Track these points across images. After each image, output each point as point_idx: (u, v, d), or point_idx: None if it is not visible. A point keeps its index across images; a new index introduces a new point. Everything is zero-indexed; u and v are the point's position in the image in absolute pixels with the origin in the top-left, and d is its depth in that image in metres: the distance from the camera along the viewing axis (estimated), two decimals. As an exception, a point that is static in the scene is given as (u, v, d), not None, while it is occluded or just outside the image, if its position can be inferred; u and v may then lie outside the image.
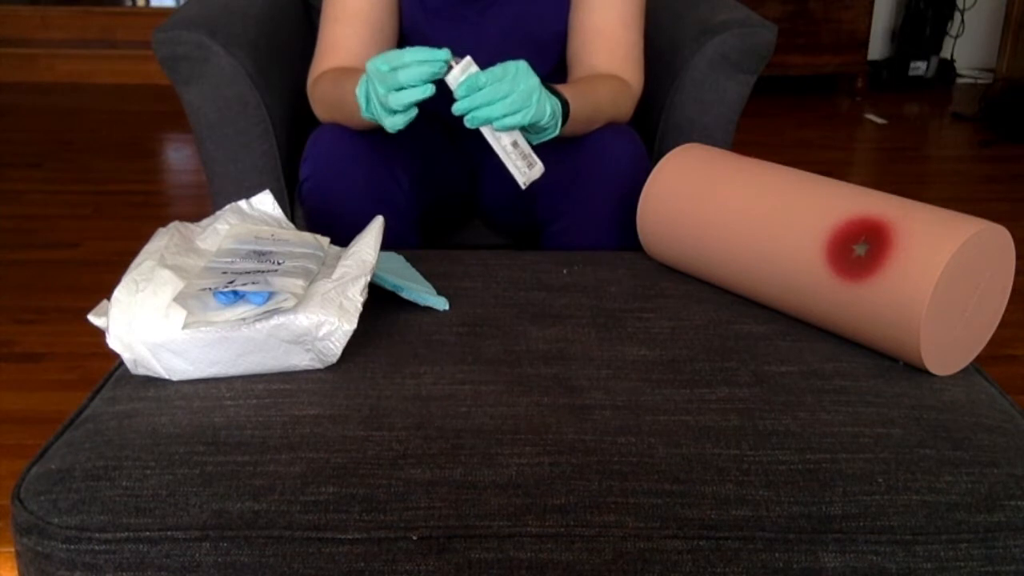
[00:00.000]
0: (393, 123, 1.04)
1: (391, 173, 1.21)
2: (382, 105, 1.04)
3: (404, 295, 0.98)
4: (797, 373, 0.88)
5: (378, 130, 1.23)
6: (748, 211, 0.99)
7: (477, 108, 1.02)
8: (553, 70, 1.36)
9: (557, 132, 1.11)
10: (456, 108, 1.02)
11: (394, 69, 1.01)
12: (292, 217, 1.40)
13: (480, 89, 1.01)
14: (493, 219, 1.46)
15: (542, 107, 1.05)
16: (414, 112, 1.04)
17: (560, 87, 1.14)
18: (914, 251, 0.85)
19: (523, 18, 1.31)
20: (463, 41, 1.32)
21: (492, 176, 1.40)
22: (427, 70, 1.00)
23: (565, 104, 1.11)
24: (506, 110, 1.02)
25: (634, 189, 1.17)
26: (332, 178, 1.18)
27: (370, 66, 1.02)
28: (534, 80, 1.04)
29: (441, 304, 0.99)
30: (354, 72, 1.17)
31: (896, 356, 0.89)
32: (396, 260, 1.08)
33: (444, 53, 1.00)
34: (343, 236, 1.05)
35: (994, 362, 1.89)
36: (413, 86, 1.01)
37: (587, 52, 1.28)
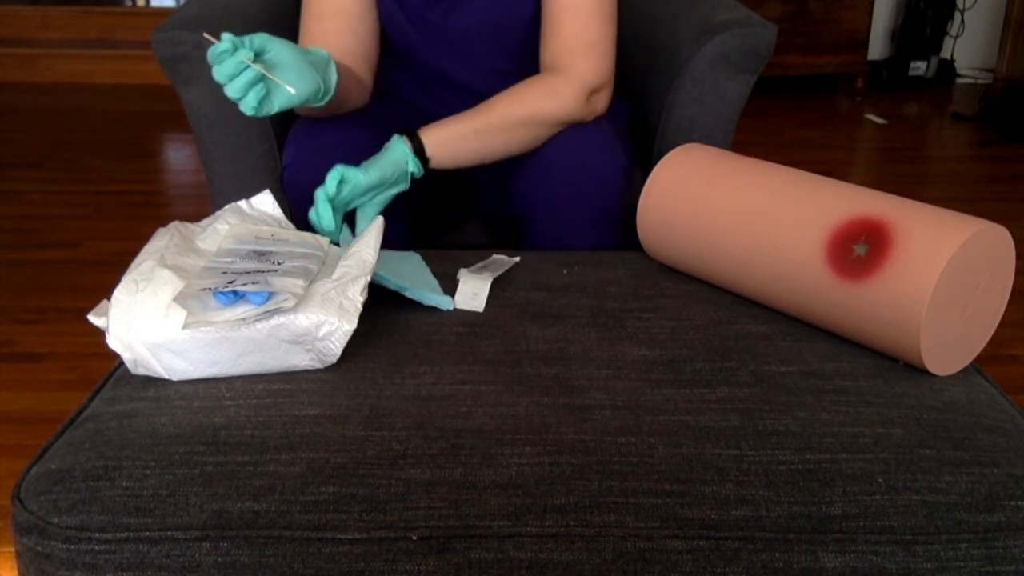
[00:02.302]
0: (245, 106, 1.03)
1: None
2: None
3: (408, 295, 0.99)
4: (797, 373, 0.88)
5: (358, 117, 1.23)
6: (748, 211, 0.99)
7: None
8: (519, 67, 1.35)
9: (407, 185, 1.17)
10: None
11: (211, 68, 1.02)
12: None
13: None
14: (487, 215, 1.46)
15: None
16: (257, 91, 1.02)
17: (433, 126, 1.18)
18: (914, 251, 0.85)
19: (488, 17, 1.31)
20: (430, 37, 1.32)
21: (485, 171, 1.40)
22: (226, 67, 0.99)
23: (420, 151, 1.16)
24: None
25: (602, 187, 1.18)
26: (312, 163, 1.19)
27: None
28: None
29: (446, 304, 0.99)
30: None
31: (896, 356, 0.89)
32: (412, 260, 1.09)
33: (224, 44, 0.99)
34: None
35: (994, 362, 1.89)
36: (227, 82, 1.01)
37: (545, 39, 1.26)
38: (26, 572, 0.75)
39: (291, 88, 1.05)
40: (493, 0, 1.30)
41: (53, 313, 2.04)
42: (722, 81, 1.40)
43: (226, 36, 0.99)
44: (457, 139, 1.18)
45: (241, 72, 1.00)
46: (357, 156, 1.20)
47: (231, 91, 1.01)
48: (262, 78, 1.02)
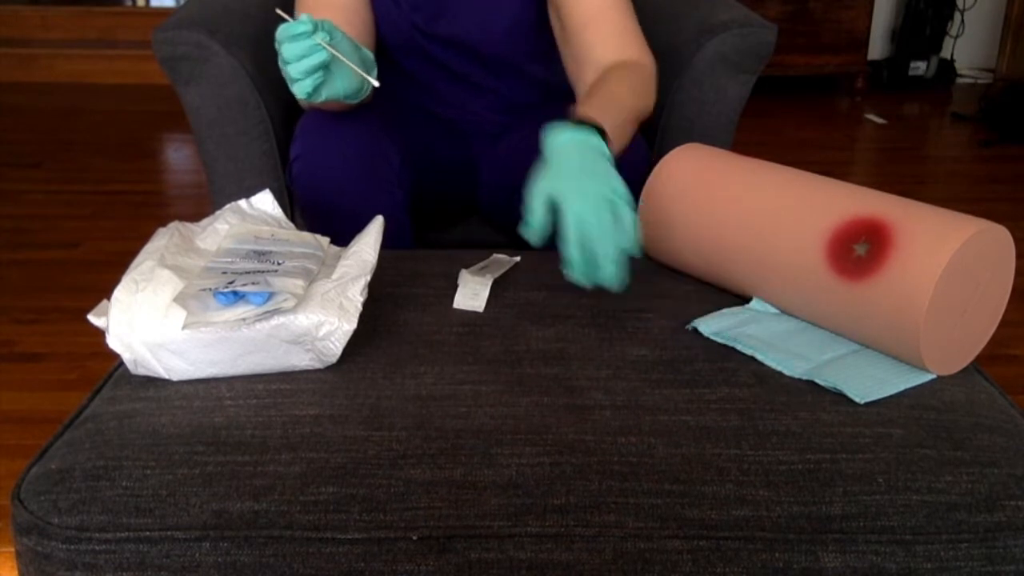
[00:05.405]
0: (300, 88, 1.04)
1: (381, 151, 1.21)
2: (287, 74, 1.04)
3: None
4: (797, 373, 0.88)
5: (365, 110, 1.23)
6: (748, 211, 0.99)
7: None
8: (510, 64, 1.35)
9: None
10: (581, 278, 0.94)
11: (280, 44, 1.02)
12: (292, 217, 1.40)
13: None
14: (491, 214, 1.46)
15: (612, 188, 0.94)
16: (316, 78, 1.03)
17: (587, 109, 1.04)
18: (914, 251, 0.85)
19: (467, 27, 1.31)
20: (426, 38, 1.32)
21: (490, 170, 1.40)
22: (299, 47, 1.00)
23: (602, 132, 1.00)
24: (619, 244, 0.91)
25: (631, 182, 1.16)
26: (321, 155, 1.19)
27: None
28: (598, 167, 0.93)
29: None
30: None
31: (896, 356, 0.89)
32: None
33: (304, 25, 0.99)
34: (332, 216, 1.05)
35: (994, 362, 1.89)
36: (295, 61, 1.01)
37: (588, 45, 1.22)
38: (26, 572, 0.75)
39: (375, 82, 1.06)
40: (473, 12, 1.30)
41: (53, 313, 2.04)
42: (722, 81, 1.40)
43: (305, 16, 1.00)
44: (617, 140, 1.07)
45: (312, 54, 1.00)
46: (365, 150, 1.20)
47: (295, 71, 1.01)
48: (325, 64, 1.02)
